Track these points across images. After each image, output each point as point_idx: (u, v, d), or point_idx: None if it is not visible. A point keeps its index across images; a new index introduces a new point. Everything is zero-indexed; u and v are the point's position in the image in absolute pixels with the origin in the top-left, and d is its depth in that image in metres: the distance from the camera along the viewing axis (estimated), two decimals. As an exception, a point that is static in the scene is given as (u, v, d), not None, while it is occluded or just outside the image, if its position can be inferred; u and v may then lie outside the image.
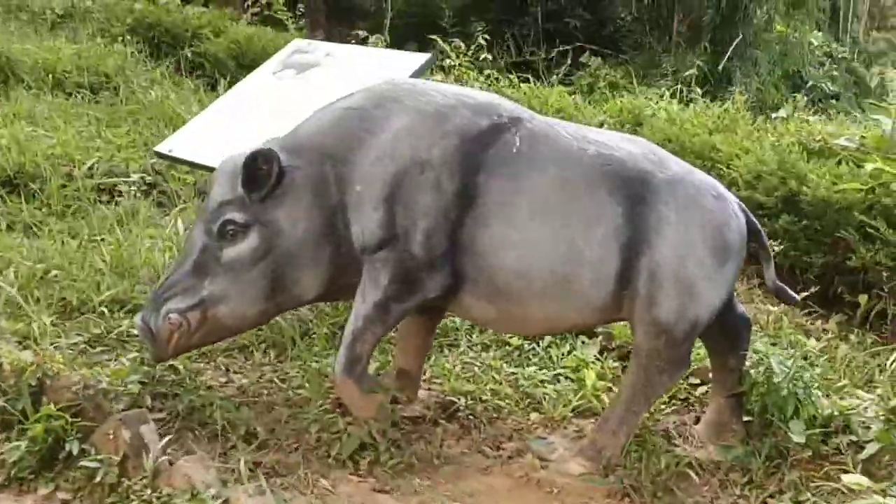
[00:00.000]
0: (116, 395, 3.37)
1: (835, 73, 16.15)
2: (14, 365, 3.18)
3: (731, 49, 13.97)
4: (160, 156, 4.49)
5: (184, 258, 3.35)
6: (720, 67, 14.01)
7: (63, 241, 4.75)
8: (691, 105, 7.49)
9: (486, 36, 9.65)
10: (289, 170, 3.26)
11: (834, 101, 14.79)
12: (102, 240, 4.88)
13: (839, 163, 5.47)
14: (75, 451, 2.98)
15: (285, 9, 10.95)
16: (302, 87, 4.47)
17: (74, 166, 5.76)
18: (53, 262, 4.42)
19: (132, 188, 5.63)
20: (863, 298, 4.98)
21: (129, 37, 9.64)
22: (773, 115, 7.02)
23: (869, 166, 5.12)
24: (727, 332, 3.64)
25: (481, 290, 3.30)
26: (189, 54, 10.22)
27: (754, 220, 3.56)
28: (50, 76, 8.06)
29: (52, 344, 3.68)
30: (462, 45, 9.24)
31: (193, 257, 3.31)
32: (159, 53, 10.16)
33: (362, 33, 9.48)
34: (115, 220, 5.23)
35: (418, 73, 4.24)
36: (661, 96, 8.02)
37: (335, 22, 15.12)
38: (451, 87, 3.44)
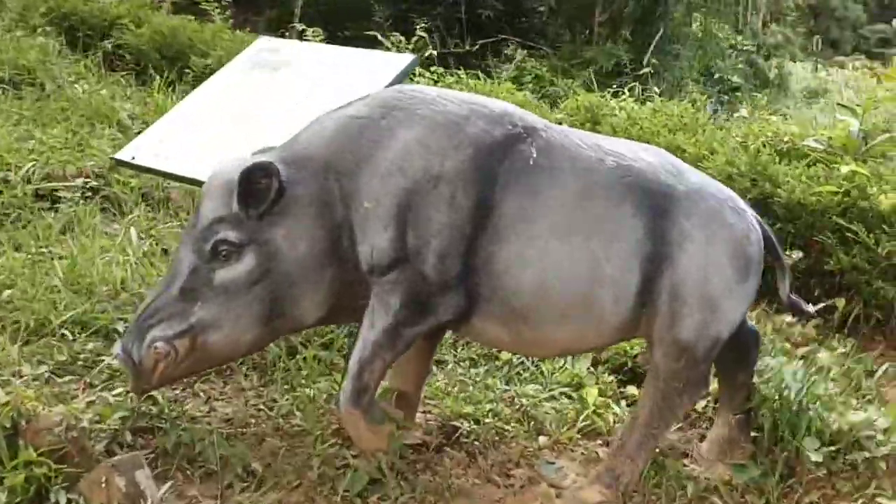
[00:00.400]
0: (94, 433, 3.08)
1: (740, 65, 16.52)
2: (-17, 404, 2.85)
3: (653, 43, 14.09)
4: (121, 164, 4.14)
5: (169, 280, 3.05)
6: (644, 61, 14.12)
7: (7, 255, 4.37)
8: (647, 103, 7.38)
9: (423, 26, 9.45)
10: (289, 184, 2.99)
11: (738, 94, 15.11)
12: (49, 252, 4.52)
13: (809, 164, 5.42)
14: (62, 503, 2.67)
15: (210, -1, 10.57)
16: (274, 89, 4.17)
17: (10, 170, 5.34)
18: (1, 280, 4.05)
19: (75, 194, 5.23)
20: (840, 302, 4.93)
21: (47, 28, 9.12)
22: (735, 115, 6.97)
23: (844, 169, 5.07)
24: (737, 346, 3.50)
25: (496, 311, 3.08)
26: (109, 46, 9.73)
27: (769, 231, 3.43)
28: (-35, 70, 7.56)
29: (14, 374, 3.35)
30: (402, 39, 9.01)
31: (181, 280, 3.01)
32: (77, 45, 9.67)
33: (299, 26, 9.13)
34: (61, 229, 4.87)
35: (402, 76, 3.99)
36: (615, 94, 7.90)
37: (241, 9, 14.69)
38: (460, 94, 3.21)
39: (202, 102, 4.27)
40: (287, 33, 12.85)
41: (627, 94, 8.02)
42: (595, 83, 12.85)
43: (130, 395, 3.23)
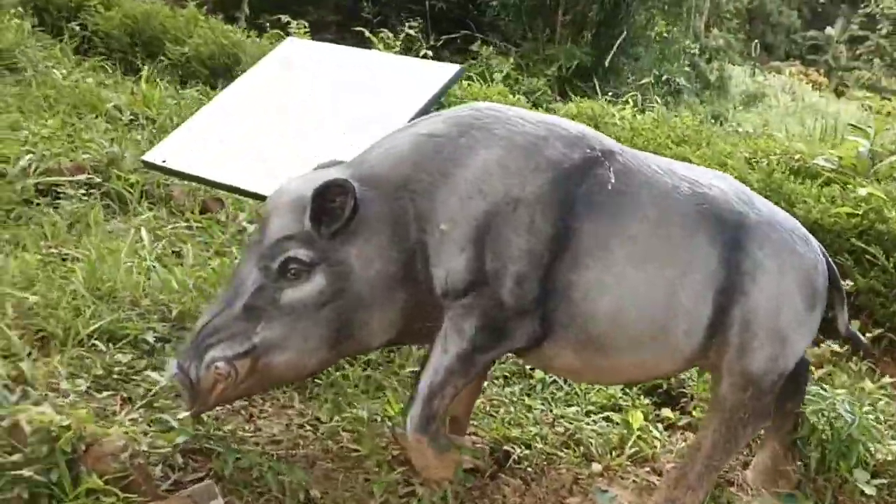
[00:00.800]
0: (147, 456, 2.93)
1: (686, 67, 16.71)
2: (38, 425, 2.68)
3: (616, 45, 14.14)
4: (149, 166, 3.95)
5: (230, 298, 2.90)
6: (606, 63, 14.15)
7: (16, 256, 4.16)
8: (646, 113, 7.34)
9: (413, 24, 9.33)
10: (362, 202, 2.86)
11: (684, 96, 15.29)
12: (60, 252, 4.31)
13: (822, 184, 5.43)
14: (134, 536, 2.53)
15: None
16: (308, 93, 4.02)
17: (6, 163, 5.09)
18: (16, 283, 3.84)
19: (78, 190, 5.02)
20: (855, 324, 4.94)
21: (20, 9, 8.78)
22: (739, 129, 6.96)
23: (861, 190, 5.09)
24: (790, 375, 3.47)
25: (571, 339, 3.00)
26: (78, 28, 9.40)
27: (830, 260, 3.41)
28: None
29: (51, 389, 3.17)
30: (391, 35, 8.88)
31: (244, 298, 2.86)
32: (47, 27, 9.33)
33: (284, 17, 8.91)
34: (67, 228, 4.67)
35: (448, 86, 3.88)
36: (612, 103, 7.84)
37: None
38: (537, 114, 3.12)
39: (231, 105, 4.10)
40: (239, 16, 12.54)
41: (631, 102, 7.97)
42: (560, 83, 12.83)
43: (185, 416, 3.07)
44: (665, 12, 16.08)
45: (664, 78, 15.39)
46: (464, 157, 2.92)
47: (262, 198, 3.70)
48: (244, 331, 2.86)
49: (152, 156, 3.89)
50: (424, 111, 3.75)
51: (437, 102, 3.94)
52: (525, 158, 2.93)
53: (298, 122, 3.89)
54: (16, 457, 2.63)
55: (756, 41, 25.17)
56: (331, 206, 2.81)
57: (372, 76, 4.06)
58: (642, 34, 15.44)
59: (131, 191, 5.22)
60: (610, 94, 9.83)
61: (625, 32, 14.44)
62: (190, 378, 2.85)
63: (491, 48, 13.64)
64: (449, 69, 3.94)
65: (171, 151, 3.88)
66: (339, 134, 3.75)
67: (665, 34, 16.01)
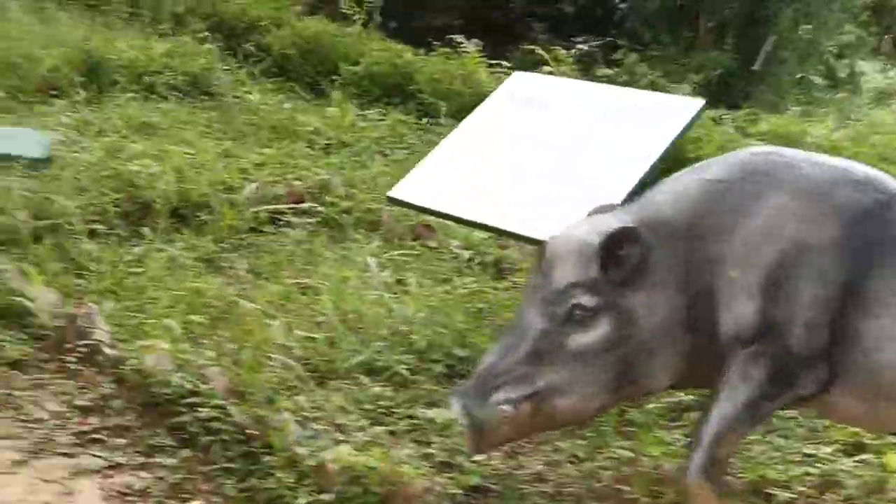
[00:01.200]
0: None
1: (819, 65, 16.19)
2: (344, 465, 2.80)
3: (763, 49, 13.81)
4: (395, 202, 4.08)
5: (514, 342, 2.96)
6: (753, 68, 13.84)
7: (260, 285, 4.35)
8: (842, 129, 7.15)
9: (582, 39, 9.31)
10: (649, 249, 2.89)
11: (813, 93, 14.84)
12: (298, 282, 4.49)
13: None
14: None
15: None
16: (550, 129, 4.06)
17: (230, 191, 5.33)
18: (269, 314, 4.01)
19: (302, 218, 5.20)
20: None
21: (206, 33, 9.14)
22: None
23: None
24: None
25: (857, 386, 2.95)
26: (252, 48, 9.68)
27: None
28: (142, 78, 7.60)
29: (330, 424, 3.30)
30: (563, 51, 8.89)
31: (529, 343, 2.92)
32: (224, 48, 9.66)
33: (458, 38, 8.98)
34: (291, 255, 4.85)
35: (692, 124, 3.86)
36: (799, 115, 7.65)
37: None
38: (822, 157, 3.10)
39: (468, 140, 4.19)
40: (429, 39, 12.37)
41: (829, 119, 7.79)
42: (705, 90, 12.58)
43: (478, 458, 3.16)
44: (806, 15, 15.59)
45: (800, 77, 15.00)
46: (753, 203, 2.91)
47: (511, 235, 3.79)
48: (529, 374, 2.91)
49: (400, 193, 4.00)
50: (669, 150, 3.76)
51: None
52: (816, 204, 2.90)
53: (540, 159, 3.95)
54: (326, 496, 2.76)
55: (891, 36, 24.21)
56: (619, 253, 2.85)
57: (608, 111, 4.08)
58: (789, 37, 15.02)
59: (347, 217, 5.38)
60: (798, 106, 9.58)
61: (775, 36, 14.12)
62: (475, 418, 2.92)
63: (634, 56, 13.44)
64: (690, 104, 3.93)
65: (418, 189, 3.99)
66: (585, 174, 3.78)
67: (809, 36, 15.58)
